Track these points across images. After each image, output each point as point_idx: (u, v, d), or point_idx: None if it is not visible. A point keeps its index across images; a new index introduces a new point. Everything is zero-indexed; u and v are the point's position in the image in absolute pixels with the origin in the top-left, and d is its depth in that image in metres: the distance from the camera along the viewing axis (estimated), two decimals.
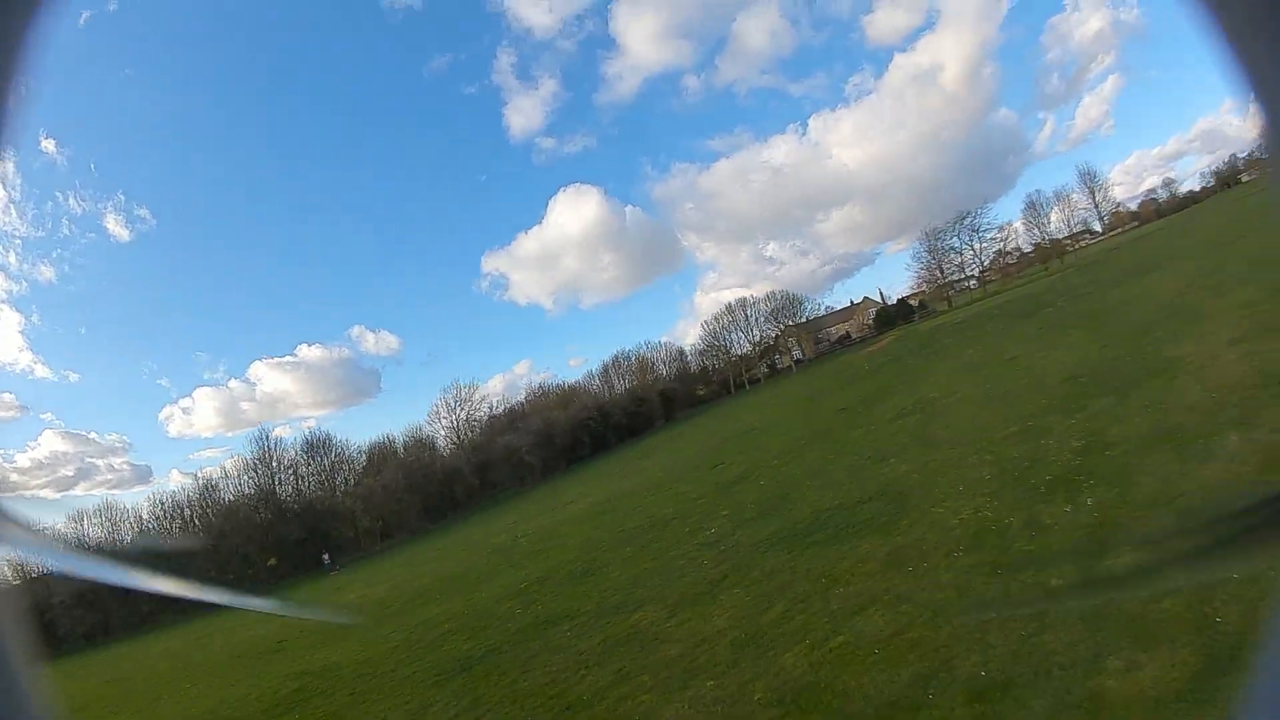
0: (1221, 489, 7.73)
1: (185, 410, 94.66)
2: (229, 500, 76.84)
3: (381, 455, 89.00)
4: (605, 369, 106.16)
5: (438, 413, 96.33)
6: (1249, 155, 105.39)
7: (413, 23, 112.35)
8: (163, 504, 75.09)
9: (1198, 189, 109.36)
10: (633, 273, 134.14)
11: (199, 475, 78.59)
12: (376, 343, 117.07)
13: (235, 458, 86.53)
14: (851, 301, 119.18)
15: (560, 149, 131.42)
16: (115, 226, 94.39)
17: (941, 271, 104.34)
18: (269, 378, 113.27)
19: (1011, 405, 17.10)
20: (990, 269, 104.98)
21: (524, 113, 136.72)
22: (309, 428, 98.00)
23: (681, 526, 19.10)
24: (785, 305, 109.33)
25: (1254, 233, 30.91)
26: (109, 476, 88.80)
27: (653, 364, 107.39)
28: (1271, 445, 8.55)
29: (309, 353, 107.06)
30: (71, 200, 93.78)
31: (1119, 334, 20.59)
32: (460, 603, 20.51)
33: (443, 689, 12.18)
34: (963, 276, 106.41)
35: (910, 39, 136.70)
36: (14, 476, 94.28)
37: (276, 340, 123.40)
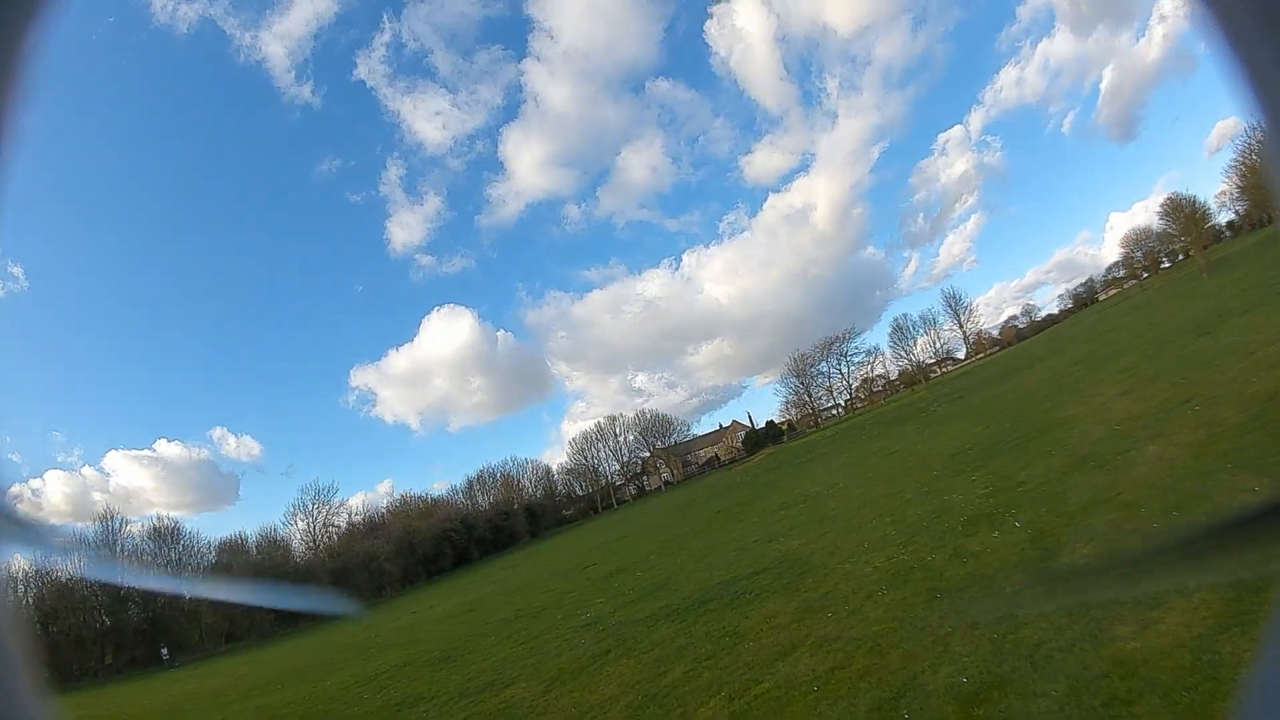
0: (1159, 482, 7.78)
1: (34, 491, 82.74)
2: (65, 579, 65.21)
3: (232, 552, 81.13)
4: (470, 484, 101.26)
5: (294, 515, 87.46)
6: (1105, 278, 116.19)
7: (309, 120, 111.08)
8: None
9: (1056, 312, 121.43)
10: (502, 398, 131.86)
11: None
12: (238, 446, 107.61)
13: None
14: (720, 425, 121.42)
15: (439, 267, 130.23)
16: None
17: (810, 396, 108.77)
18: (124, 470, 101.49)
19: (901, 482, 16.82)
20: (858, 393, 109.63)
21: (407, 227, 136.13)
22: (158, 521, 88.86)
23: (554, 614, 17.23)
24: (654, 425, 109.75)
25: (1124, 324, 33.92)
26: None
27: (518, 480, 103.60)
28: (1194, 443, 8.82)
29: (168, 448, 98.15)
30: None
31: (1001, 416, 21.26)
32: (305, 690, 18.08)
33: None
34: (831, 403, 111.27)
35: (785, 179, 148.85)
36: None
37: (136, 431, 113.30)
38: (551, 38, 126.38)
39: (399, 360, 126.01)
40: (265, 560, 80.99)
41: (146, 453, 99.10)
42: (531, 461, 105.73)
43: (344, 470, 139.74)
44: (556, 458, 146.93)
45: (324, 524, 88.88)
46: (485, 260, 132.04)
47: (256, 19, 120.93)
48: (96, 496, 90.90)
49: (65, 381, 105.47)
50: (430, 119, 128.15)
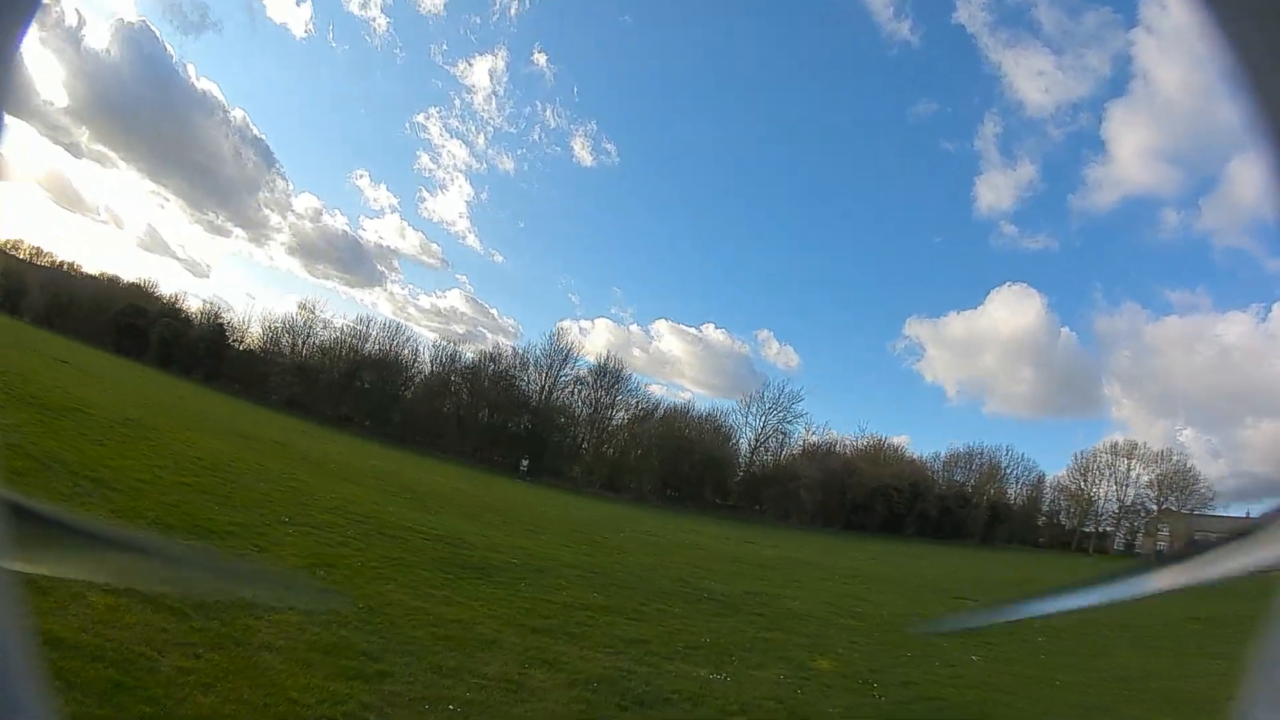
0: None
1: (582, 330, 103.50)
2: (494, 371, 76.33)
3: (662, 416, 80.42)
4: (953, 457, 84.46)
5: (749, 407, 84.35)
6: None
7: (906, 59, 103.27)
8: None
9: None
10: (1044, 398, 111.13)
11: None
12: (778, 353, 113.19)
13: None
14: (1248, 514, 76.79)
15: (1020, 240, 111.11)
16: (581, 150, 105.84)
17: None
18: (668, 339, 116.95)
19: None
20: None
21: (995, 189, 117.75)
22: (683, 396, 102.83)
23: None
24: (1176, 477, 78.31)
25: None
26: (488, 349, 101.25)
27: (1002, 473, 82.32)
28: None
29: (713, 334, 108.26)
30: (548, 113, 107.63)
31: None
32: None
33: None
34: None
35: None
36: (410, 310, 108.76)
37: (689, 310, 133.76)
38: (1162, 6, 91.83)
39: (957, 324, 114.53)
40: (681, 434, 78.04)
41: (693, 331, 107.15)
42: (1028, 464, 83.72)
43: (861, 408, 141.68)
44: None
45: (775, 428, 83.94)
46: (1068, 246, 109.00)
47: None
48: (635, 352, 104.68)
49: (638, 249, 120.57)
50: (1032, 78, 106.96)
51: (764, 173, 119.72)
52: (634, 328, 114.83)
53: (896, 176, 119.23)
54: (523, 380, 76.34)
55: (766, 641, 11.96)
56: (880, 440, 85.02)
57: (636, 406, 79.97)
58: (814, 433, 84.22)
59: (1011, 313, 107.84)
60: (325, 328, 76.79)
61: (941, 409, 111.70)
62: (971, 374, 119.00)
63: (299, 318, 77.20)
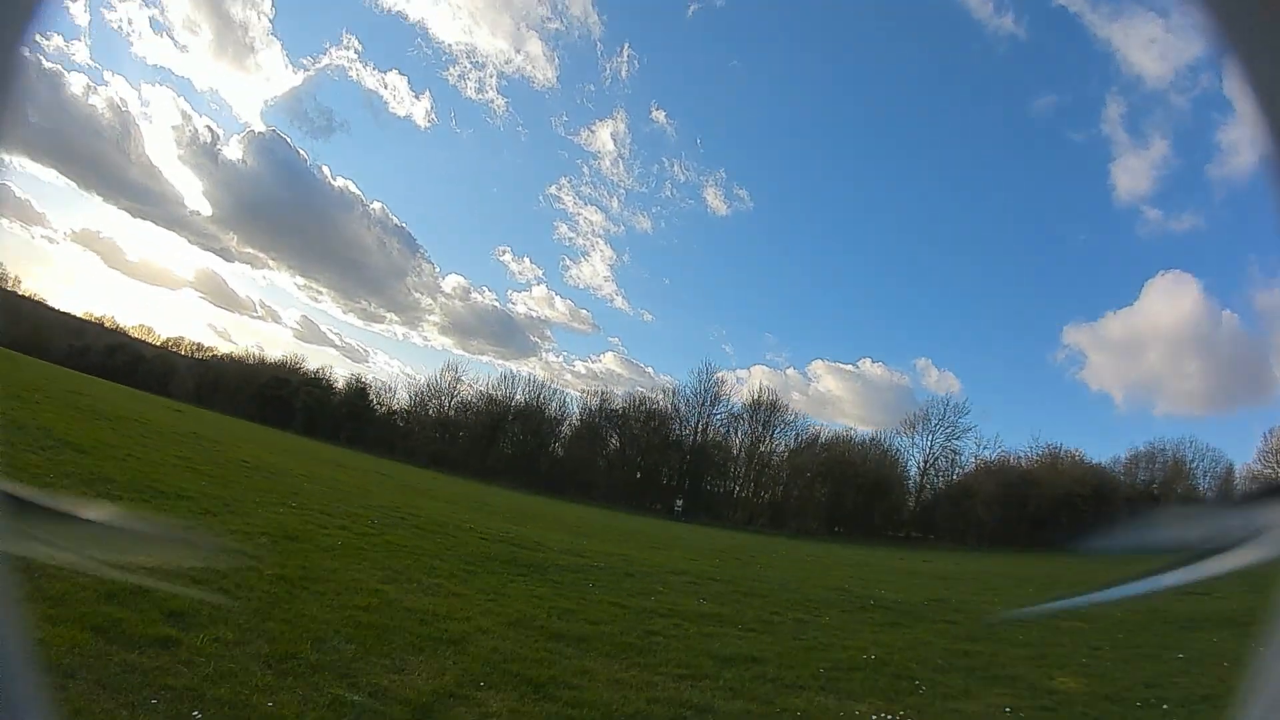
0: None
1: (739, 380, 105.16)
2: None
3: (825, 443, 75.56)
4: (1133, 458, 72.61)
5: (912, 427, 77.88)
6: None
7: (1017, 53, 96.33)
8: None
9: None
10: (1215, 391, 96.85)
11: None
12: (938, 380, 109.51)
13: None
14: None
15: (1165, 223, 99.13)
16: (714, 200, 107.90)
17: None
18: (825, 379, 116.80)
19: None
20: None
21: (1132, 173, 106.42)
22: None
23: None
24: None
25: None
26: (636, 395, 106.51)
27: (1189, 472, 69.55)
28: None
29: (871, 368, 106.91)
30: (676, 167, 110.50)
31: None
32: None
33: None
34: None
35: None
36: (566, 376, 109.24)
37: (844, 347, 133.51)
38: None
39: (1115, 324, 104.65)
40: (847, 459, 73.18)
41: (849, 368, 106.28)
42: (1215, 455, 70.46)
43: (1028, 428, 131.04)
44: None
45: (944, 447, 76.45)
46: (1216, 220, 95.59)
47: None
48: (795, 395, 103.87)
49: (785, 291, 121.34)
50: (1145, 48, 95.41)
51: (898, 198, 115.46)
52: (790, 371, 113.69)
53: (1031, 178, 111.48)
54: (674, 422, 74.61)
55: (968, 656, 7.70)
56: (1057, 448, 76.22)
57: (796, 438, 75.82)
58: (985, 448, 76.73)
59: (1169, 303, 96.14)
60: (471, 388, 78.47)
61: (1111, 417, 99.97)
62: (1137, 376, 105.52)
63: (443, 379, 79.63)
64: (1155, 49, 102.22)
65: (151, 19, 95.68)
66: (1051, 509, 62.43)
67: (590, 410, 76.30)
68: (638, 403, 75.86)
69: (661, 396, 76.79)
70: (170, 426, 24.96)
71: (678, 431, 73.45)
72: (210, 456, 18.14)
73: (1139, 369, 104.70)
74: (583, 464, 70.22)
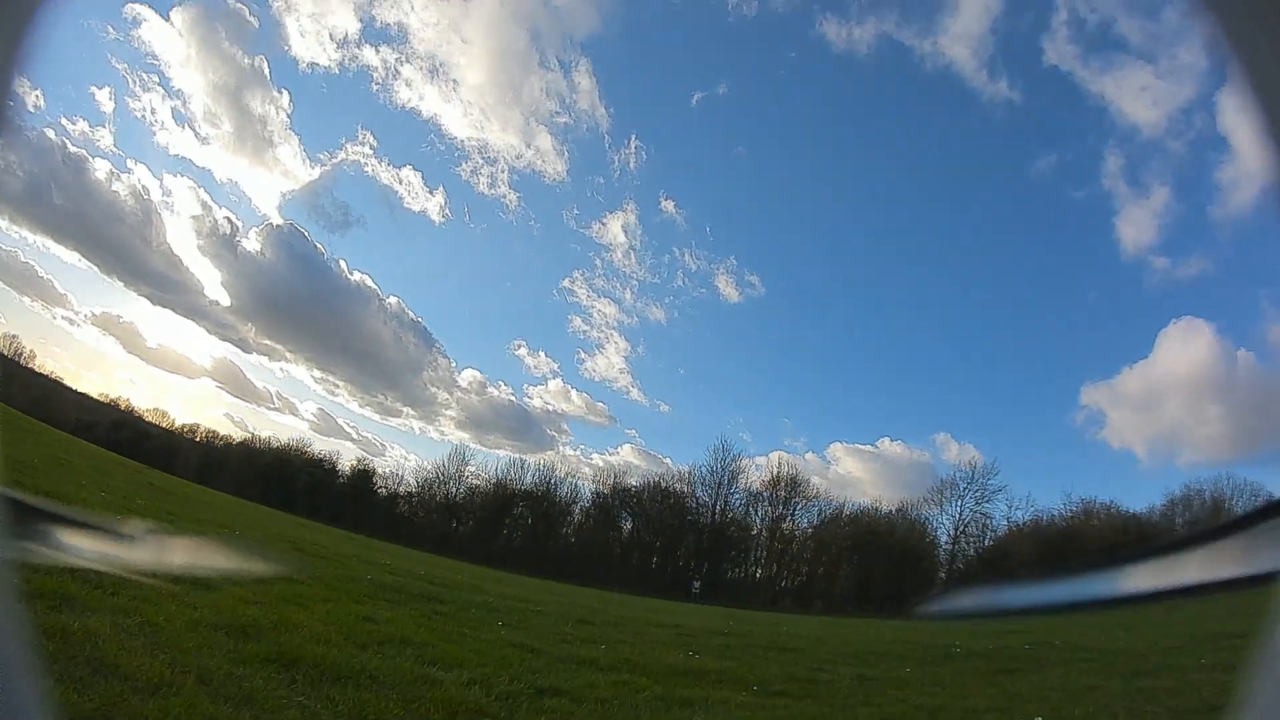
0: None
1: (758, 467, 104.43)
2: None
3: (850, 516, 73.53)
4: (1170, 504, 70.51)
5: (940, 494, 75.98)
6: None
7: (1014, 117, 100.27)
8: None
9: None
10: (1238, 434, 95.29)
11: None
12: (959, 453, 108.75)
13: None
14: None
15: (1173, 270, 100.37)
16: (726, 287, 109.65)
17: None
18: (845, 460, 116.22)
19: None
20: None
21: (1136, 224, 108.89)
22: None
23: None
24: None
25: None
26: (651, 475, 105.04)
27: (1228, 505, 67.56)
28: None
29: (890, 446, 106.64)
30: (687, 257, 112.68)
31: None
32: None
33: None
34: None
35: None
36: (584, 469, 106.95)
37: (862, 428, 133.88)
38: None
39: (1131, 379, 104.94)
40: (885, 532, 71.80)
41: (869, 448, 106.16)
42: (1255, 487, 68.59)
43: (1053, 494, 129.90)
44: None
45: (973, 512, 74.18)
46: (1223, 261, 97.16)
47: (930, 25, 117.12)
48: (815, 480, 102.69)
49: (800, 375, 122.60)
50: (1136, 96, 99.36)
51: (909, 274, 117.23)
52: (809, 455, 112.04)
53: (1037, 241, 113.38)
54: (690, 501, 72.50)
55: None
56: (1091, 502, 73.16)
57: (819, 514, 73.68)
58: (1017, 509, 74.20)
59: (1183, 350, 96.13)
60: (479, 473, 76.60)
61: (1135, 473, 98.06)
62: (1158, 428, 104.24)
63: (449, 464, 77.62)
64: (1147, 96, 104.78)
65: (174, 109, 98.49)
66: (1094, 562, 58.42)
67: (602, 493, 74.29)
68: (652, 484, 73.94)
69: (675, 474, 74.84)
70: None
71: (694, 510, 71.15)
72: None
73: (1159, 421, 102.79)
74: (593, 545, 67.73)
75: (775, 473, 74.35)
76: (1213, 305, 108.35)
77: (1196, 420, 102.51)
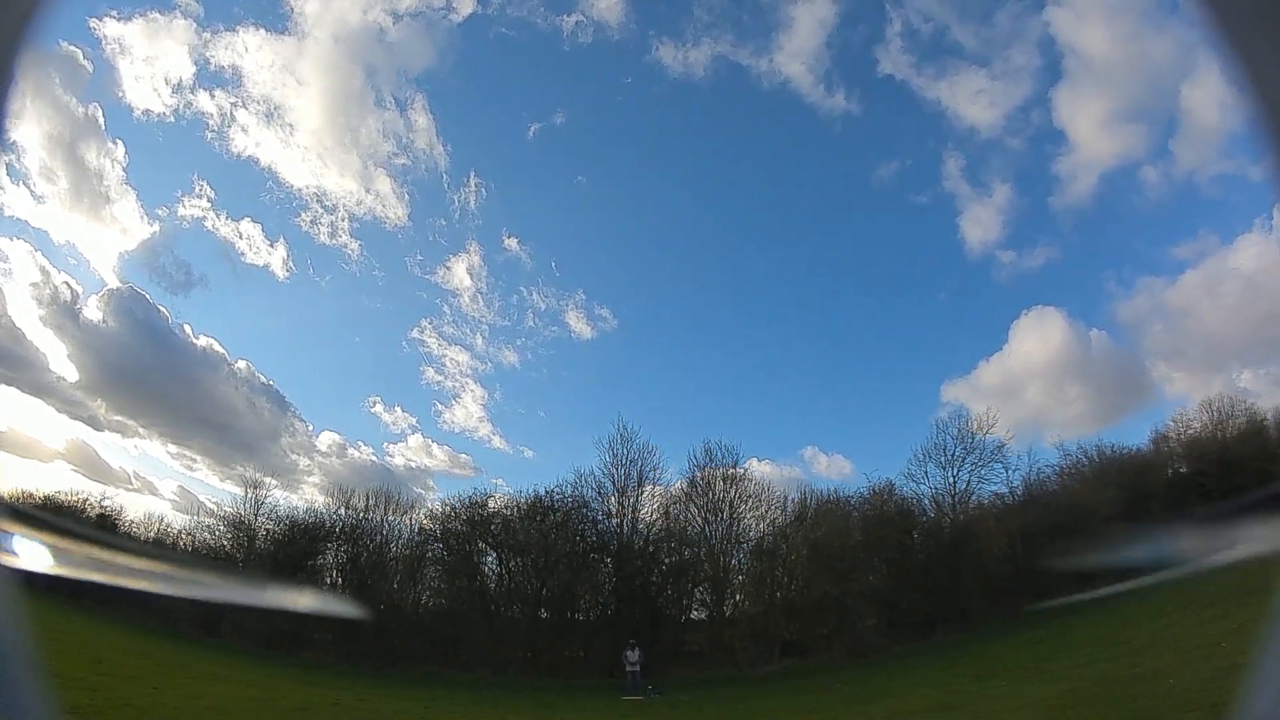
0: None
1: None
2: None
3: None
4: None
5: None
6: None
7: (853, 128, 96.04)
8: None
9: None
10: (1099, 407, 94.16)
11: None
12: (828, 465, 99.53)
13: None
14: None
15: (1021, 263, 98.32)
16: (577, 323, 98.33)
17: None
18: (719, 485, 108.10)
19: None
20: None
21: (980, 223, 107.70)
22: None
23: None
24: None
25: None
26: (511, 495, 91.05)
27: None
28: None
29: (759, 467, 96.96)
30: (535, 295, 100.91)
31: None
32: None
33: None
34: None
35: None
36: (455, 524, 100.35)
37: (729, 451, 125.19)
38: None
39: (990, 371, 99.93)
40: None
41: (737, 471, 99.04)
42: None
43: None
44: None
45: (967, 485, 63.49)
46: (1068, 248, 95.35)
47: (766, 44, 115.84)
48: (692, 510, 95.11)
49: (663, 405, 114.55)
50: (973, 99, 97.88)
51: (757, 292, 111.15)
52: (679, 485, 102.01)
53: (883, 250, 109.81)
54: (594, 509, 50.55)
55: None
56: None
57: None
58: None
59: (1038, 338, 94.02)
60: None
61: (1006, 457, 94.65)
62: (1022, 414, 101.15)
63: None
64: (984, 99, 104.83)
65: (9, 164, 79.68)
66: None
67: (436, 519, 49.16)
68: (511, 504, 49.71)
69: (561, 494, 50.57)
70: None
71: (603, 523, 49.52)
72: None
73: (1021, 408, 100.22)
74: (433, 614, 42.37)
75: (693, 467, 58.86)
76: (1062, 292, 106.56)
77: (1058, 401, 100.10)
